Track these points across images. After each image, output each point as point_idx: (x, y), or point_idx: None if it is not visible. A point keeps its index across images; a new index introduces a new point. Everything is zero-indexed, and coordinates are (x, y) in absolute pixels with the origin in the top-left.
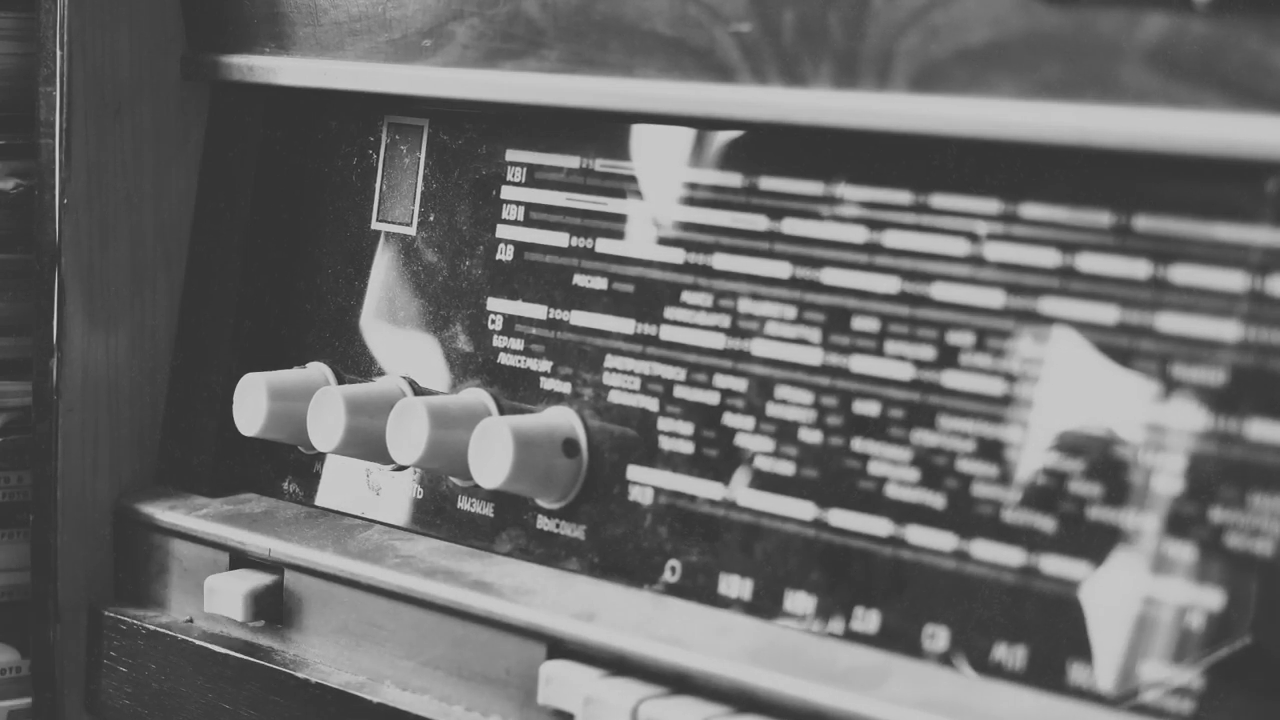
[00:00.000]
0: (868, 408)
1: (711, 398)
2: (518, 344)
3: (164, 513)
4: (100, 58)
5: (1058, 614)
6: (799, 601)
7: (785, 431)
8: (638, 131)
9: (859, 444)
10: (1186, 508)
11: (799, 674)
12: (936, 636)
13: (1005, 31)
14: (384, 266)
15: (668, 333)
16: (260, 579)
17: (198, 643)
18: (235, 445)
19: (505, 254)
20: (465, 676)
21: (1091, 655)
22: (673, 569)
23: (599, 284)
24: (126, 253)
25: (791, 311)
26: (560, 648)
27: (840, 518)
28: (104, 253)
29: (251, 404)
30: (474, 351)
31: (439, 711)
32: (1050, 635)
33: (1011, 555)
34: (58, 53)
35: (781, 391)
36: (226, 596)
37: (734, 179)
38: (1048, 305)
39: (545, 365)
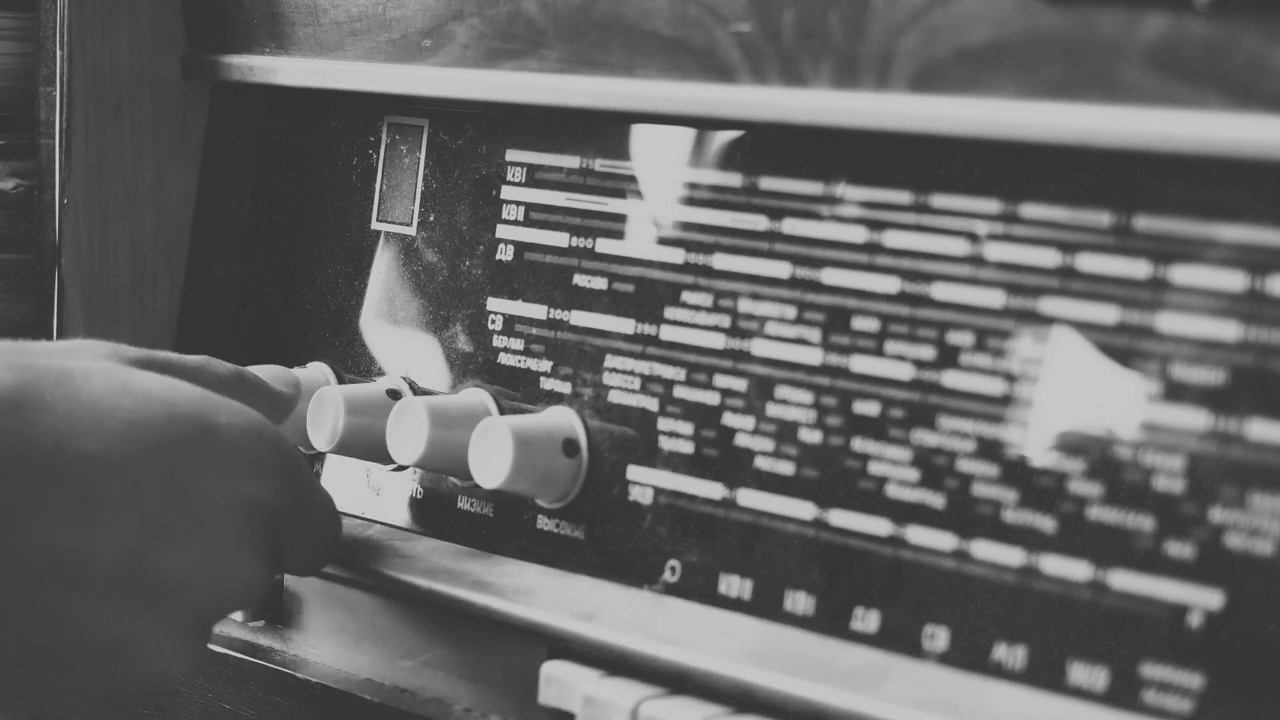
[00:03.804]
0: (868, 408)
1: (711, 398)
2: (518, 344)
3: None
4: (100, 58)
5: (1058, 614)
6: (799, 601)
7: (785, 431)
8: (638, 131)
9: (859, 444)
10: (1186, 508)
11: (799, 674)
12: (936, 636)
13: (1005, 31)
14: (384, 266)
15: (668, 333)
16: None
17: None
18: None
19: (505, 254)
20: (465, 676)
21: (1091, 655)
22: (673, 569)
23: (599, 284)
24: (126, 253)
25: (791, 311)
26: (560, 648)
27: (840, 518)
28: (104, 253)
29: None
30: (474, 351)
31: (439, 711)
32: (1050, 635)
33: (1011, 555)
34: (58, 53)
35: (781, 391)
36: None
37: (734, 179)
38: (1048, 305)
39: (545, 365)
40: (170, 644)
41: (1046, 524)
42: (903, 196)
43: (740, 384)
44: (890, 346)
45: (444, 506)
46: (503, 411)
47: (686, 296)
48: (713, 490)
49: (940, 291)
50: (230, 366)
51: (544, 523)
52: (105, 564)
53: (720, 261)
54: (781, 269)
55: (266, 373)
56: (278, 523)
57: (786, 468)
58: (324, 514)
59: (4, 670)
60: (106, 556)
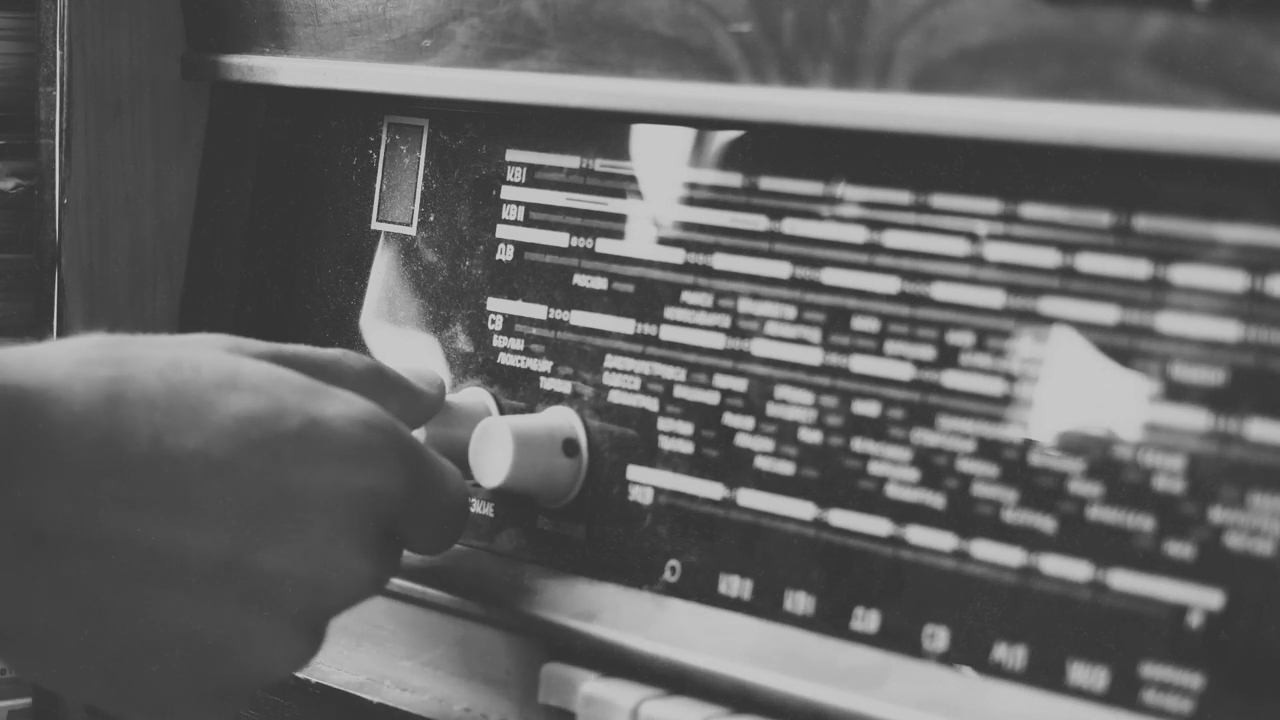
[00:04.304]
0: (868, 408)
1: (711, 398)
2: (518, 344)
3: None
4: (100, 58)
5: (1058, 614)
6: (799, 601)
7: (785, 431)
8: (638, 131)
9: (859, 444)
10: (1186, 508)
11: (799, 674)
12: (936, 636)
13: (1005, 31)
14: (384, 266)
15: (668, 333)
16: None
17: None
18: None
19: (505, 254)
20: (465, 676)
21: (1091, 655)
22: (673, 569)
23: (599, 284)
24: (126, 253)
25: (791, 311)
26: (560, 648)
27: (840, 518)
28: (104, 253)
29: None
30: (474, 351)
31: (439, 711)
32: (1050, 635)
33: (1011, 555)
34: (58, 53)
35: (781, 391)
36: None
37: (734, 179)
38: (1048, 305)
39: (545, 365)
40: (275, 641)
41: (1046, 524)
42: (903, 196)
43: (740, 384)
44: (890, 346)
45: None
46: (503, 411)
47: (686, 296)
48: (713, 490)
49: (940, 291)
50: (368, 361)
51: (544, 523)
52: (203, 562)
53: (720, 261)
54: (781, 269)
55: (409, 370)
56: (396, 512)
57: (786, 468)
58: (448, 495)
59: (105, 665)
60: (204, 554)
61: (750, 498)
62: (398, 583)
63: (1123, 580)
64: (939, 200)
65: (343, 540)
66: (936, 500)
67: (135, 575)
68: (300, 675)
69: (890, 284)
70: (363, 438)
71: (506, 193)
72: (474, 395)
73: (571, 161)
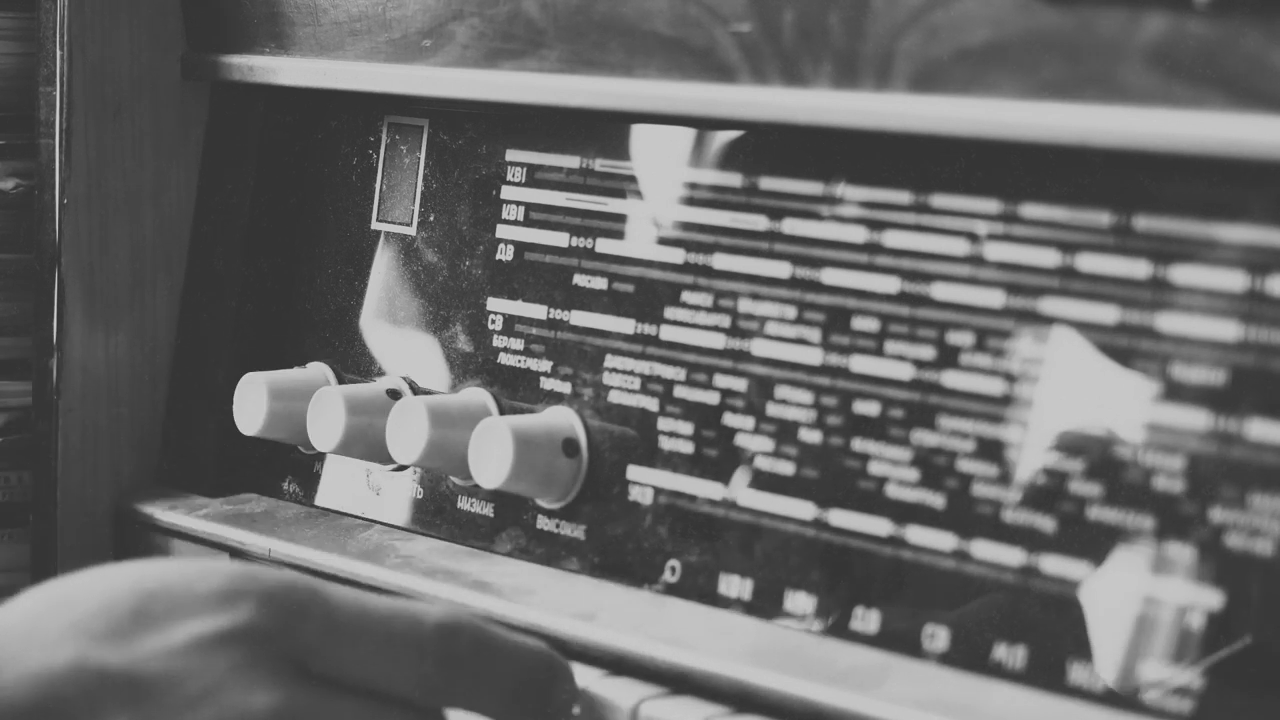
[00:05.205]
0: (868, 408)
1: (711, 398)
2: (518, 344)
3: (164, 513)
4: (100, 58)
5: (1058, 614)
6: (799, 601)
7: (785, 431)
8: (638, 131)
9: (859, 444)
10: (1186, 508)
11: (799, 674)
12: (936, 636)
13: (1005, 31)
14: (384, 266)
15: (668, 333)
16: None
17: None
18: (235, 445)
19: (505, 254)
20: None
21: (1091, 655)
22: (673, 569)
23: (599, 284)
24: (126, 253)
25: (791, 311)
26: (560, 648)
27: (840, 518)
28: (104, 253)
29: (252, 404)
30: (474, 351)
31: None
32: (1050, 635)
33: (1011, 555)
34: (58, 53)
35: (781, 391)
36: None
37: (734, 179)
38: (1048, 305)
39: (545, 365)
40: None
41: (1046, 524)
42: (903, 196)
43: (740, 384)
44: (890, 346)
45: (444, 506)
46: (503, 411)
47: (686, 296)
48: (713, 490)
49: (940, 291)
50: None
51: (544, 523)
52: None
53: (720, 261)
54: (781, 269)
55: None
56: (281, 640)
57: (786, 468)
58: (363, 616)
59: None
60: None
61: (750, 498)
62: (397, 583)
63: (1122, 580)
64: (939, 200)
65: (230, 686)
66: (936, 500)
67: None
68: None
69: (890, 284)
70: (198, 588)
71: (506, 193)
72: (474, 395)
73: (571, 161)
